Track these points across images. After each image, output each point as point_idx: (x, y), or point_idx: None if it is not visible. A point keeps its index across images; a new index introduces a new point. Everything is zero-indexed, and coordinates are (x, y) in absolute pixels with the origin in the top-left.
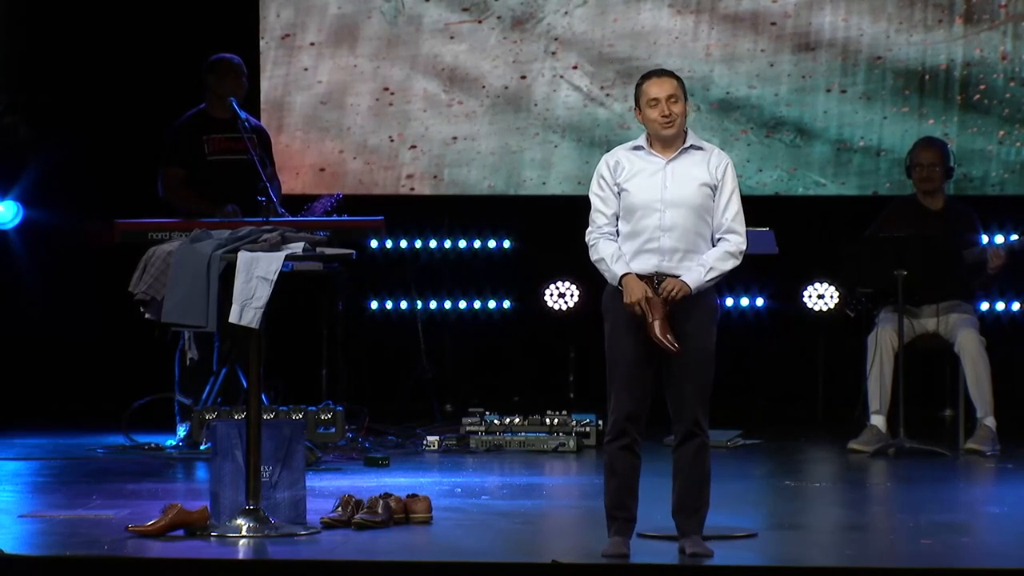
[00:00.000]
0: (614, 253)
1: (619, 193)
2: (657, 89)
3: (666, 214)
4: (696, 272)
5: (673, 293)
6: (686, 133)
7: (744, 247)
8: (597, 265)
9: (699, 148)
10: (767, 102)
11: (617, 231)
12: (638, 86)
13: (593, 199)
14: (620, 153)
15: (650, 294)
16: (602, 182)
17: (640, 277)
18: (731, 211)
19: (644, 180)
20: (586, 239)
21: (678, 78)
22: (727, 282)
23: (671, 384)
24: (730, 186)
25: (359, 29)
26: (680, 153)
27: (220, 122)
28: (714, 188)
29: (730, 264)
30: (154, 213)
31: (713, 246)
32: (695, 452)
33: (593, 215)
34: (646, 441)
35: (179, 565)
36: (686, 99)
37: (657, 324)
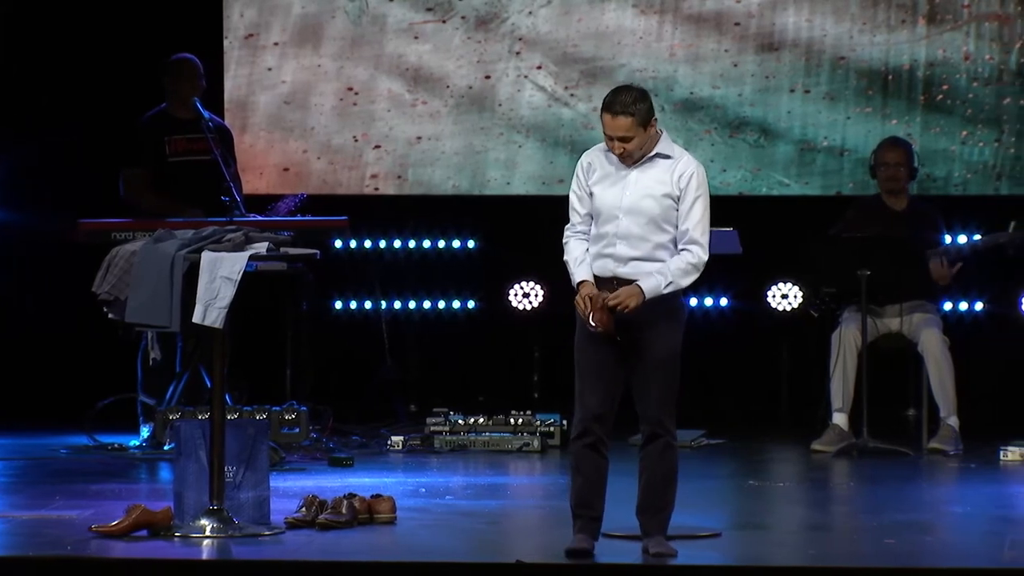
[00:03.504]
0: (579, 257)
1: (590, 195)
2: (611, 128)
3: (622, 221)
4: (655, 280)
5: (621, 307)
6: (660, 136)
7: (706, 258)
8: (566, 265)
9: (667, 156)
10: (731, 102)
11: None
12: (602, 106)
13: (571, 197)
14: (594, 154)
15: (594, 293)
16: (577, 181)
17: (599, 281)
18: (692, 220)
19: (608, 186)
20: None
21: (635, 113)
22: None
23: (636, 385)
24: (693, 195)
25: (323, 29)
26: (646, 161)
27: (181, 123)
28: (676, 198)
29: (690, 278)
30: (118, 213)
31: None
32: (660, 452)
33: (570, 212)
34: (613, 440)
35: (142, 566)
36: (647, 126)
37: (595, 315)
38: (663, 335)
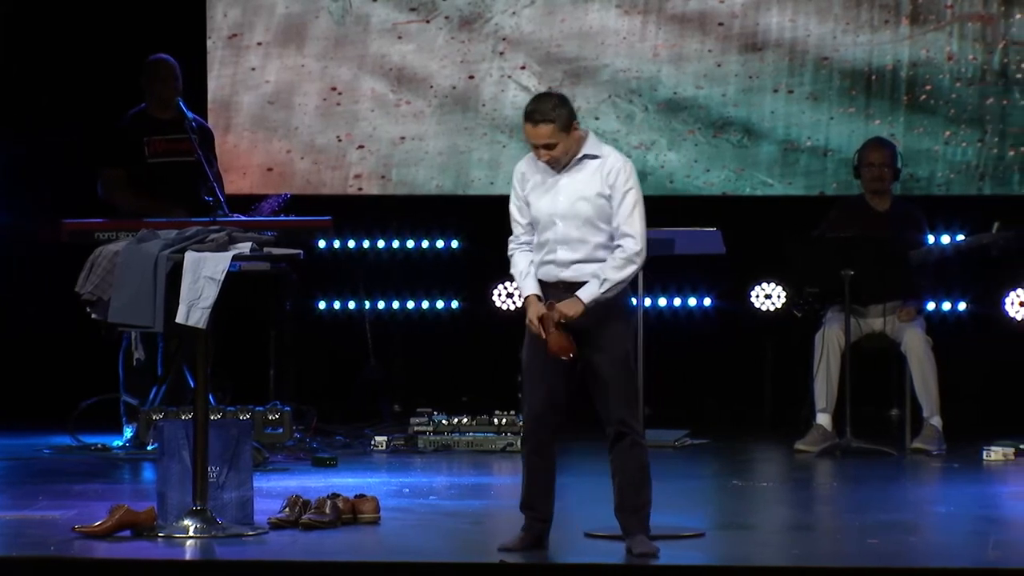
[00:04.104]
0: (524, 270)
1: (527, 204)
2: (533, 136)
3: (559, 227)
4: (591, 287)
5: (561, 319)
6: (587, 137)
7: (638, 248)
8: (515, 278)
9: (594, 157)
10: (714, 102)
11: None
12: (523, 117)
13: (511, 208)
14: (524, 165)
15: (543, 311)
16: (514, 192)
17: (546, 286)
18: (622, 215)
19: (542, 193)
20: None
21: (555, 119)
22: (675, 282)
23: (594, 389)
24: (623, 190)
25: (306, 29)
26: (574, 164)
27: (161, 123)
28: (608, 196)
29: (627, 271)
30: (101, 213)
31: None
32: (627, 451)
33: (512, 224)
34: (592, 441)
35: (126, 566)
36: (570, 129)
37: (550, 339)
38: (613, 336)
